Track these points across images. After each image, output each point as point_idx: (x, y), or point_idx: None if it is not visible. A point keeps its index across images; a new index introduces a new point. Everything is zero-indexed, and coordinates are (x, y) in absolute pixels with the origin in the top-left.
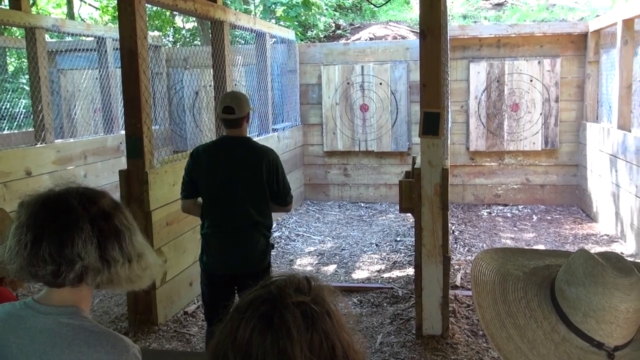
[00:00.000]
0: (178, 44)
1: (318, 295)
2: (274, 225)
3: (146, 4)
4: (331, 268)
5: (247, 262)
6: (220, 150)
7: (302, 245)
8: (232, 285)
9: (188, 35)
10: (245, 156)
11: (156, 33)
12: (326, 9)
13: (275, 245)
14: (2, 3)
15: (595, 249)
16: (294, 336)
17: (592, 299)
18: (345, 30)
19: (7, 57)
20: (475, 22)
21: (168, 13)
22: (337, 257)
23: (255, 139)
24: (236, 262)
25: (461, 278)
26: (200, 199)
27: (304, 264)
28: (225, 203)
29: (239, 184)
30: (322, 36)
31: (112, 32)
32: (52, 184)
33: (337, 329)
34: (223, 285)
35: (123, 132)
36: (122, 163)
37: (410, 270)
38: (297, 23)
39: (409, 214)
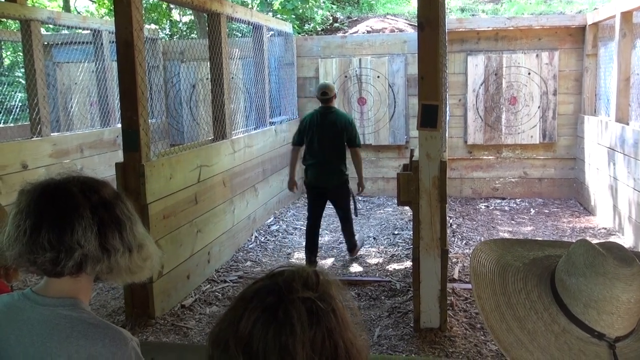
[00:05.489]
0: (175, 36)
1: (325, 292)
2: (271, 219)
3: None
4: (329, 261)
5: (330, 180)
6: (319, 115)
7: (300, 238)
8: (324, 195)
9: (185, 28)
10: (332, 118)
11: (153, 26)
12: (323, 2)
13: (273, 239)
14: None
15: (593, 242)
16: (297, 333)
17: (593, 290)
18: (343, 24)
19: (3, 51)
20: (473, 15)
21: (165, 6)
22: (335, 250)
23: (253, 132)
24: (324, 180)
25: (459, 271)
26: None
27: (301, 257)
28: (320, 146)
29: (326, 135)
30: (319, 29)
31: (108, 24)
32: (53, 174)
33: (341, 327)
34: (317, 194)
35: (120, 125)
36: (119, 156)
37: (408, 264)
38: (294, 16)
39: (407, 207)
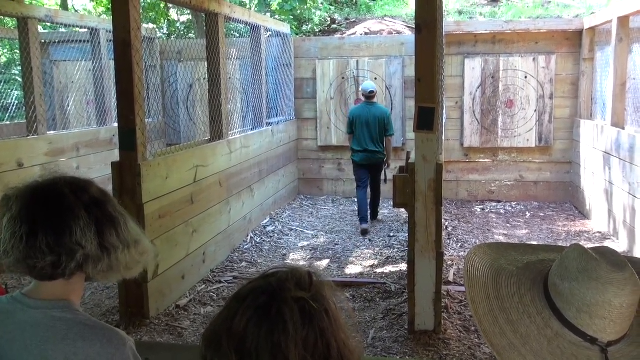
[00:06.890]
0: (172, 36)
1: (318, 292)
2: (267, 220)
3: None
4: (324, 263)
5: (370, 160)
6: (364, 109)
7: (295, 239)
8: (368, 169)
9: (182, 28)
10: (374, 112)
11: (150, 25)
12: (322, 3)
13: (268, 240)
14: None
15: (587, 246)
16: (290, 331)
17: (586, 294)
18: (341, 25)
19: (0, 48)
20: (470, 18)
21: (162, 5)
22: (330, 251)
23: (250, 132)
24: (366, 160)
25: (454, 274)
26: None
27: (296, 258)
28: (364, 135)
29: (370, 126)
30: (317, 30)
31: (105, 23)
32: (37, 176)
33: (334, 328)
34: (362, 169)
35: (116, 124)
36: (115, 156)
37: (403, 266)
38: (292, 17)
39: (403, 210)
